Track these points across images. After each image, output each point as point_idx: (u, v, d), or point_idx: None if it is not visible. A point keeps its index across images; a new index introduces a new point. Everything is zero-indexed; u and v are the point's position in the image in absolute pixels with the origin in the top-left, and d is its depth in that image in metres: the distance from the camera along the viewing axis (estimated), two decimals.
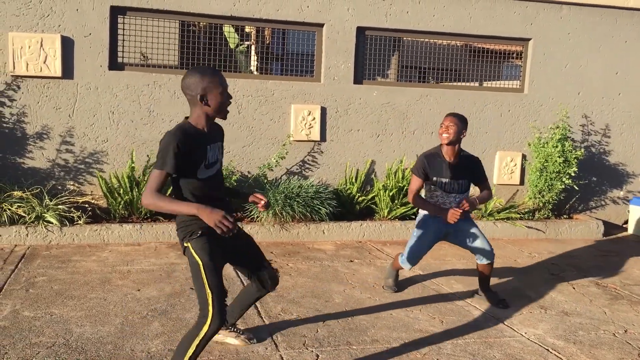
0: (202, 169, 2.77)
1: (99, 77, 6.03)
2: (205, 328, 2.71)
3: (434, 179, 4.16)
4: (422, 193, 4.35)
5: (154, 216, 5.90)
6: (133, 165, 5.93)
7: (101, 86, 6.04)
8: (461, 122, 4.10)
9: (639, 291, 4.92)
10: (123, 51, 6.18)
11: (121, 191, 5.84)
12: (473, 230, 4.23)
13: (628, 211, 7.33)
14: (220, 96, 2.76)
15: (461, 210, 3.93)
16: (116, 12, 6.06)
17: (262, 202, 3.05)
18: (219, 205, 2.72)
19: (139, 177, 5.96)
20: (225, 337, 3.46)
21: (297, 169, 6.60)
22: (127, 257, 5.13)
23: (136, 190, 5.81)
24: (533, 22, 7.07)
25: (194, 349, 2.71)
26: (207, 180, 2.81)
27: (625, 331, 4.01)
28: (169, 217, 5.93)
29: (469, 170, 4.24)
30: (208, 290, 2.74)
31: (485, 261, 4.31)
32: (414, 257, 4.31)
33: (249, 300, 3.37)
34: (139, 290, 4.32)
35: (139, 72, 6.16)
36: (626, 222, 7.41)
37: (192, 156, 2.71)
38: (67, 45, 5.91)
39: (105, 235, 5.57)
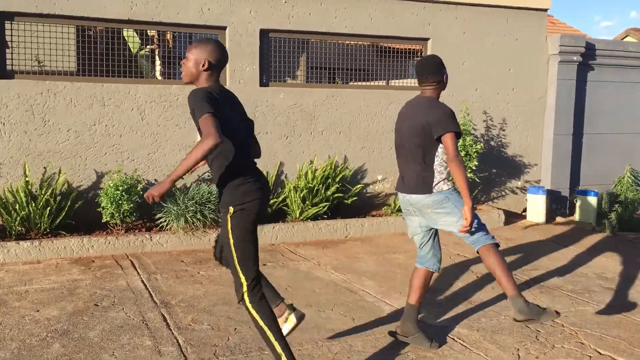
0: None
1: None
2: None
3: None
4: (436, 161, 3.57)
5: (55, 231, 5.60)
6: (27, 179, 5.60)
7: None
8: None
9: (536, 275, 5.22)
10: (12, 59, 5.83)
11: (17, 206, 5.50)
12: None
13: (526, 200, 7.77)
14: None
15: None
16: (3, 17, 5.70)
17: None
18: None
19: (35, 191, 5.64)
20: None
21: (207, 175, 6.49)
22: (25, 277, 4.84)
23: (33, 205, 5.49)
24: (430, 22, 7.33)
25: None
26: None
27: None
28: (70, 231, 5.67)
29: None
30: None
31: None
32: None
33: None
34: (38, 311, 4.08)
35: (31, 80, 5.83)
36: (525, 210, 7.85)
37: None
38: None
39: (0, 254, 5.23)
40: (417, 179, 3.56)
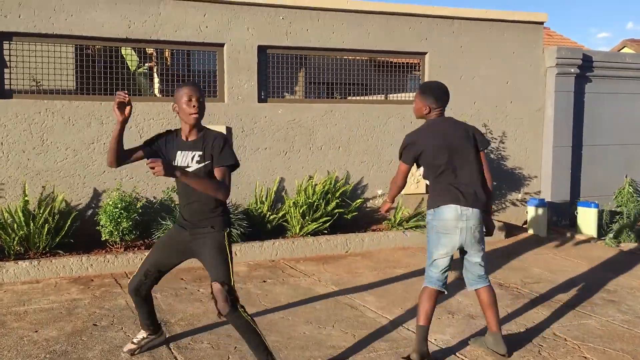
0: None
1: None
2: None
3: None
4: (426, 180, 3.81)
5: (54, 250, 5.58)
6: (27, 198, 5.59)
7: None
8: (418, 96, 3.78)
9: (538, 289, 5.19)
10: (10, 78, 5.84)
11: (15, 226, 5.48)
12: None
13: (526, 212, 7.74)
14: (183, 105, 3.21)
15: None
16: (1, 37, 5.72)
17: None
18: (187, 204, 3.32)
19: (34, 210, 5.63)
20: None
21: None
22: (24, 297, 4.81)
23: (32, 224, 5.47)
24: (428, 36, 7.36)
25: None
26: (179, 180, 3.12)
27: (526, 329, 4.20)
28: (69, 250, 5.64)
29: None
30: None
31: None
32: None
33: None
34: (36, 331, 4.05)
35: (29, 99, 5.84)
36: (525, 222, 7.82)
37: (166, 155, 3.33)
38: None
39: None
40: (482, 192, 3.65)
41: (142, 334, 3.74)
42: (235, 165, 3.21)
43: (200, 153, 3.22)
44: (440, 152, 3.60)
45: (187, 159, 3.24)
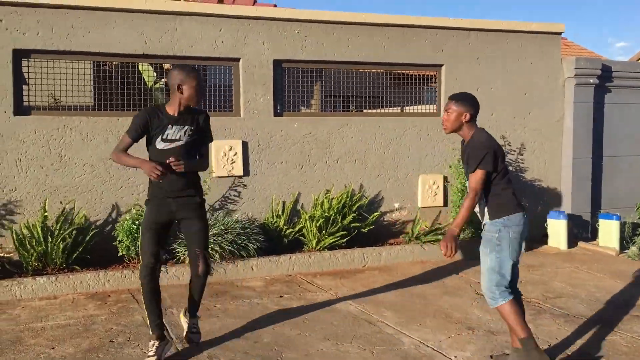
0: (159, 141, 3.72)
1: (3, 124, 5.71)
2: (139, 272, 3.84)
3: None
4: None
5: (70, 266, 5.59)
6: (46, 214, 5.62)
7: (6, 133, 5.72)
8: (456, 105, 3.72)
9: (560, 304, 5.07)
10: (29, 95, 5.90)
11: (34, 242, 5.51)
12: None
13: (546, 225, 7.62)
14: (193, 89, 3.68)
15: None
16: (19, 55, 5.79)
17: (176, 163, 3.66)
18: (177, 178, 3.72)
19: (52, 226, 5.65)
20: (182, 320, 4.13)
21: (221, 206, 6.47)
22: (42, 313, 4.81)
23: (50, 240, 5.49)
24: (444, 48, 7.32)
25: (142, 292, 3.87)
26: (164, 151, 3.70)
27: (549, 346, 4.10)
28: (86, 266, 5.65)
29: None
30: (140, 245, 3.89)
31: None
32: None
33: (192, 289, 4.04)
34: (53, 348, 4.04)
35: (47, 115, 5.89)
36: (545, 235, 7.69)
37: (151, 131, 3.71)
38: None
39: (17, 290, 5.22)
40: None
41: (154, 342, 3.78)
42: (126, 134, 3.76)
43: (192, 128, 3.78)
44: (504, 158, 3.68)
45: (180, 133, 3.74)
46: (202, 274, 3.94)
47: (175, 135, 3.72)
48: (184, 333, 4.05)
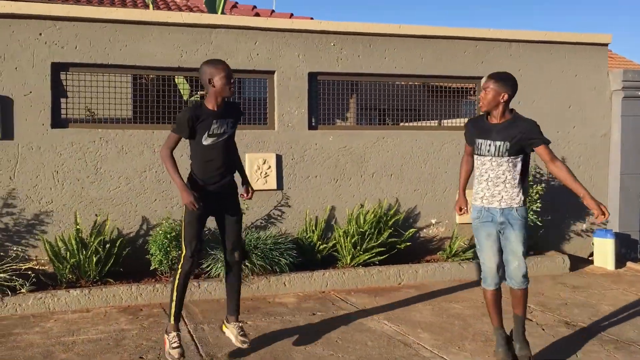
0: (205, 137, 3.87)
1: (41, 136, 5.77)
2: (180, 266, 3.94)
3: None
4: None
5: (104, 279, 5.57)
6: (78, 227, 5.62)
7: (44, 145, 5.77)
8: (495, 85, 3.71)
9: (611, 330, 4.78)
10: (67, 108, 5.96)
11: (68, 254, 5.51)
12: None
13: (593, 244, 7.28)
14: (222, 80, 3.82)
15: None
16: (58, 68, 5.85)
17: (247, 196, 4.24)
18: (219, 167, 3.95)
19: (86, 238, 5.65)
20: (227, 330, 4.20)
21: (254, 220, 6.38)
22: (73, 326, 4.79)
23: (84, 252, 5.49)
24: (484, 60, 7.12)
25: (177, 280, 3.91)
26: (209, 146, 3.90)
27: None
28: (119, 279, 5.62)
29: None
30: (182, 237, 3.98)
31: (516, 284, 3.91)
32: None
33: (230, 286, 4.20)
34: None
35: (84, 128, 5.92)
36: (591, 254, 7.35)
37: (197, 130, 3.86)
38: (6, 105, 5.65)
39: (50, 303, 5.22)
40: None
41: (174, 334, 3.92)
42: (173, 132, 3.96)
43: (232, 120, 3.98)
44: None
45: (224, 126, 3.92)
46: (239, 258, 4.13)
47: (220, 129, 3.88)
48: (234, 339, 4.09)
